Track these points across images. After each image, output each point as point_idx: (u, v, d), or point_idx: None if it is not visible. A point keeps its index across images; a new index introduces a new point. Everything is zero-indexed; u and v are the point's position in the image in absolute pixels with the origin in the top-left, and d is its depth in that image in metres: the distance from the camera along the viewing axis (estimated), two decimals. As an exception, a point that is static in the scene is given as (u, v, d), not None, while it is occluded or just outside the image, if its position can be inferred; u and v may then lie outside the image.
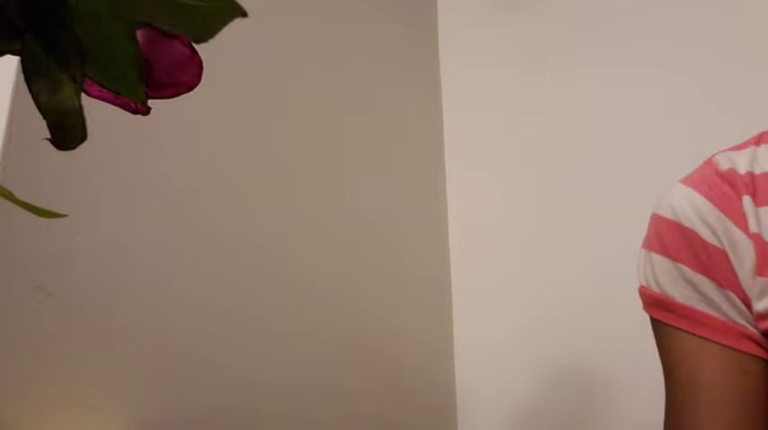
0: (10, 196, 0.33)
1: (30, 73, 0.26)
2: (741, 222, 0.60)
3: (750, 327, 0.59)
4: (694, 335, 0.60)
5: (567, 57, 1.31)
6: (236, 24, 0.27)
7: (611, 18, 1.27)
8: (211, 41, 0.27)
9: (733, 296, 0.59)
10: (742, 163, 0.62)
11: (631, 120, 1.20)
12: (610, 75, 1.25)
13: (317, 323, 1.05)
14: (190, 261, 0.91)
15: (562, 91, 1.30)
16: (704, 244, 0.61)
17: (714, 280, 0.60)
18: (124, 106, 0.30)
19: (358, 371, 1.10)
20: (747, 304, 0.59)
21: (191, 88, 0.31)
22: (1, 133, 0.74)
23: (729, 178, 0.62)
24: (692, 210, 0.62)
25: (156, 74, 0.29)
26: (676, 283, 0.62)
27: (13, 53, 0.27)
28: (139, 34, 0.27)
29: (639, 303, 0.66)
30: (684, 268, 0.61)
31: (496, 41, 1.42)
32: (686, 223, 0.62)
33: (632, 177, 1.17)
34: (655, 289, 0.63)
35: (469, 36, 1.47)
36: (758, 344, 0.59)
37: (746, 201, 0.60)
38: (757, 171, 0.61)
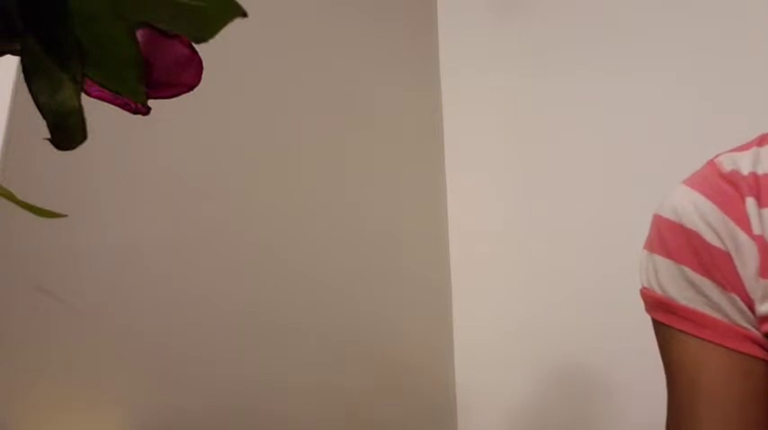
0: (10, 196, 0.33)
1: (30, 73, 0.26)
2: (744, 224, 0.59)
3: (753, 329, 0.59)
4: (697, 337, 0.60)
5: (568, 59, 1.31)
6: (236, 24, 0.27)
7: (610, 19, 1.27)
8: (211, 41, 0.27)
9: (736, 298, 0.59)
10: (745, 164, 0.62)
11: (632, 120, 1.20)
12: (610, 76, 1.25)
13: (317, 323, 1.05)
14: (190, 261, 0.91)
15: (562, 93, 1.29)
16: (707, 245, 0.60)
17: (717, 282, 0.60)
18: (124, 106, 0.30)
19: (358, 371, 1.10)
20: (750, 306, 0.59)
21: (191, 88, 0.31)
22: (1, 133, 0.73)
23: (732, 179, 0.62)
24: (695, 211, 0.61)
25: (156, 74, 0.29)
26: (678, 285, 0.61)
27: (13, 53, 0.27)
28: (139, 34, 0.27)
29: (640, 303, 0.66)
30: (687, 270, 0.61)
31: (497, 44, 1.41)
32: (689, 224, 0.62)
33: (632, 178, 1.17)
34: (657, 291, 0.63)
35: (470, 38, 1.47)
36: (761, 346, 0.59)
37: (750, 202, 0.60)
38: (760, 172, 0.61)
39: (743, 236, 0.59)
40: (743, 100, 1.08)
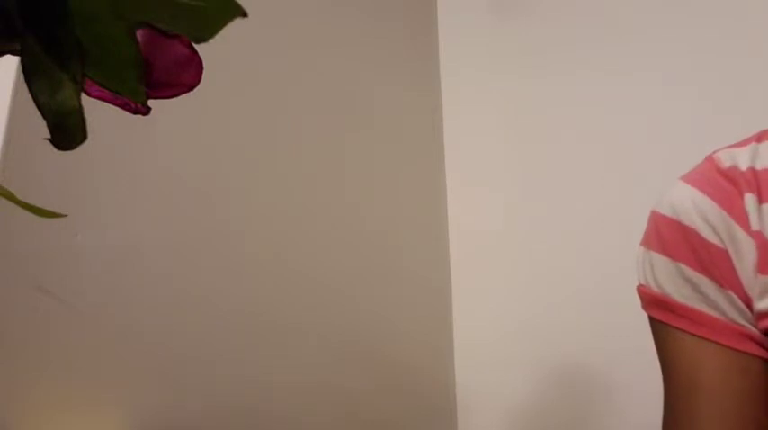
0: (10, 196, 0.33)
1: (30, 73, 0.26)
2: (742, 220, 0.59)
3: (750, 327, 0.59)
4: (694, 334, 0.60)
5: (568, 59, 1.31)
6: (236, 24, 0.27)
7: (610, 19, 1.27)
8: (211, 41, 0.27)
9: (733, 296, 0.59)
10: (743, 160, 0.62)
11: (632, 120, 1.20)
12: (610, 76, 1.25)
13: (317, 323, 1.05)
14: (190, 261, 0.91)
15: (562, 93, 1.29)
16: (704, 242, 0.60)
17: (714, 279, 0.60)
18: (124, 106, 0.30)
19: (358, 371, 1.10)
20: (748, 304, 0.59)
21: (191, 88, 0.31)
22: (1, 133, 0.74)
23: (731, 175, 0.61)
24: (693, 207, 0.61)
25: (156, 74, 0.29)
26: (675, 283, 0.61)
27: (13, 53, 0.27)
28: (139, 34, 0.27)
29: (639, 302, 0.66)
30: (684, 267, 0.61)
31: (497, 44, 1.41)
32: (686, 221, 0.61)
33: (632, 178, 1.17)
34: (654, 288, 0.63)
35: (470, 38, 1.47)
36: (758, 343, 0.59)
37: (748, 198, 0.59)
38: (758, 167, 0.60)
39: (741, 232, 0.59)
40: (743, 100, 1.08)
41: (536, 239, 1.27)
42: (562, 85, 1.30)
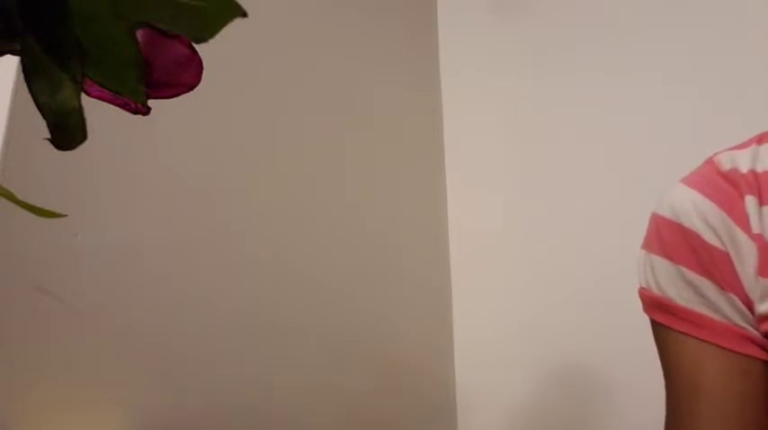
0: (10, 196, 0.33)
1: (30, 73, 0.26)
2: (743, 223, 0.59)
3: (751, 329, 0.59)
4: (695, 337, 0.60)
5: (568, 59, 1.31)
6: (236, 24, 0.27)
7: (610, 19, 1.27)
8: (211, 41, 0.27)
9: (734, 298, 0.59)
10: (743, 162, 0.62)
11: (632, 120, 1.20)
12: (610, 76, 1.25)
13: (317, 323, 1.05)
14: (190, 261, 0.91)
15: (562, 93, 1.29)
16: (705, 245, 0.60)
17: (715, 281, 0.60)
18: (124, 106, 0.30)
19: (358, 371, 1.10)
20: (749, 306, 0.59)
21: (191, 88, 0.31)
22: (1, 133, 0.73)
23: (731, 177, 0.61)
24: (694, 210, 0.61)
25: (156, 74, 0.29)
26: (676, 285, 0.61)
27: (13, 53, 0.27)
28: (139, 34, 0.27)
29: (639, 303, 0.66)
30: (684, 269, 0.61)
31: (497, 44, 1.41)
32: (687, 223, 0.61)
33: (632, 178, 1.17)
34: (655, 291, 0.63)
35: (470, 38, 1.46)
36: (759, 346, 0.59)
37: (749, 200, 0.59)
38: (759, 169, 0.60)
39: (742, 235, 0.59)
40: (743, 100, 1.08)
41: (536, 239, 1.27)
42: (562, 85, 1.30)
